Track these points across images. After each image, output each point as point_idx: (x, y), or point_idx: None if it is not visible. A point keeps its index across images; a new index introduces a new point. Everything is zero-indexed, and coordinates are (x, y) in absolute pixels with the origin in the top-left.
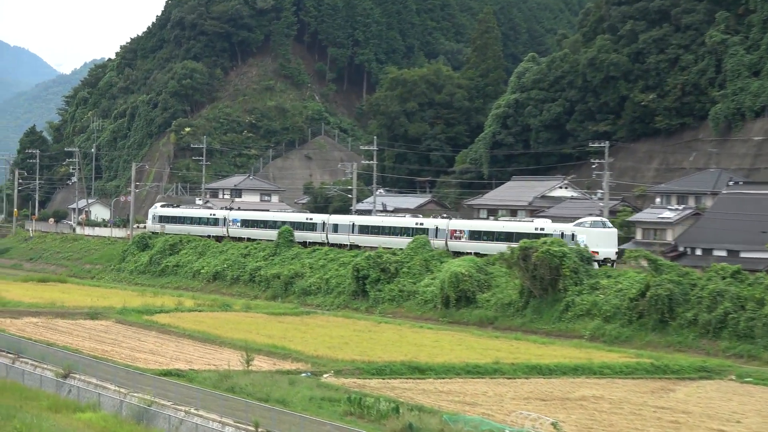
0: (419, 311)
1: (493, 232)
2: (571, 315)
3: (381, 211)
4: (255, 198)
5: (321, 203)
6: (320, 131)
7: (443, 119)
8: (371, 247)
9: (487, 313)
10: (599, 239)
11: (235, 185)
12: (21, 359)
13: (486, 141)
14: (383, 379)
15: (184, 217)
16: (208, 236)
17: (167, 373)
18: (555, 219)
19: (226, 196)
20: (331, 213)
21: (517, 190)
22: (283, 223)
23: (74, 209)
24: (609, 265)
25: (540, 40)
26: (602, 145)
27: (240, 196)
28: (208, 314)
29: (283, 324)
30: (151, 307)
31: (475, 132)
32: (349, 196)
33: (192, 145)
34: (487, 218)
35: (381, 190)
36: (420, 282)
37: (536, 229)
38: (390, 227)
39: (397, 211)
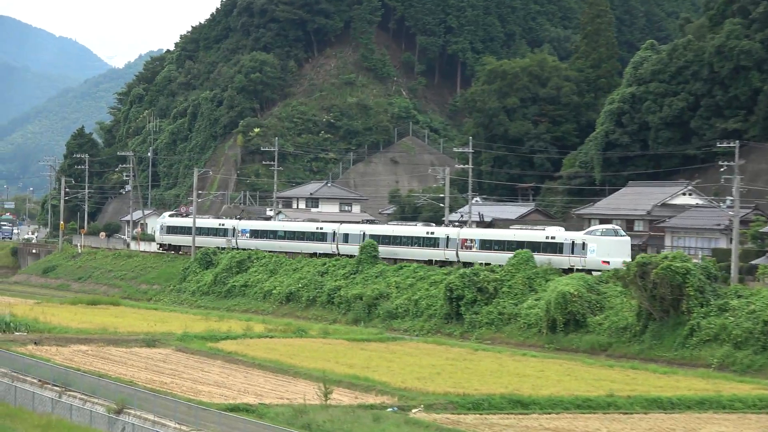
0: (521, 337)
1: (503, 242)
2: (696, 340)
3: (397, 221)
4: (333, 207)
5: (409, 213)
6: (408, 131)
7: (548, 117)
8: (383, 258)
9: (600, 338)
10: (610, 248)
11: (311, 193)
12: (68, 392)
13: (598, 141)
14: (480, 414)
15: (187, 228)
16: (217, 248)
17: (234, 408)
18: (677, 230)
19: (301, 206)
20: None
21: (634, 197)
22: (293, 233)
23: (128, 222)
24: None
25: (660, 25)
26: (732, 145)
27: (317, 206)
28: (281, 341)
29: (366, 351)
30: (216, 332)
31: (585, 131)
32: (441, 205)
33: (262, 149)
34: None
35: (477, 199)
36: (522, 303)
37: (547, 237)
38: (401, 237)
39: (495, 222)
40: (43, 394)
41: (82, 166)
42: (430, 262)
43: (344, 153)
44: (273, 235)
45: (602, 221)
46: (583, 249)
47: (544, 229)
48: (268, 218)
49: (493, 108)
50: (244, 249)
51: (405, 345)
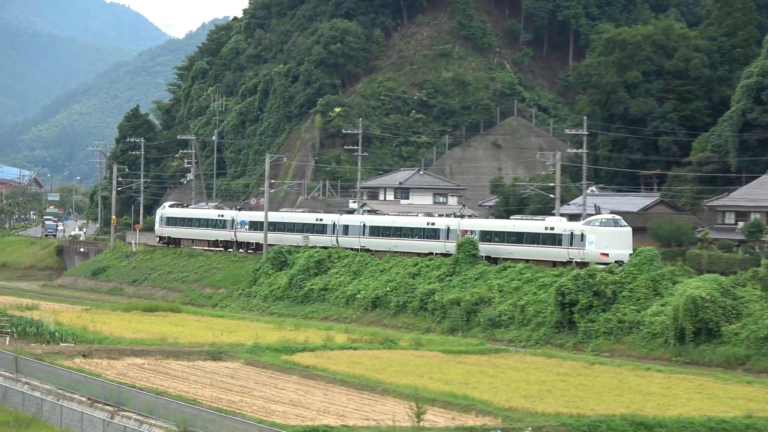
0: (645, 348)
1: (503, 233)
2: None
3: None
4: (427, 199)
5: (513, 205)
6: (512, 110)
7: (675, 93)
8: (383, 251)
9: (736, 350)
10: (610, 240)
11: (400, 183)
12: (122, 412)
13: (733, 121)
14: None
15: (192, 219)
16: (216, 241)
17: (312, 431)
18: None
19: (389, 197)
20: (447, 216)
21: None
22: (293, 225)
23: None
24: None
25: None
26: None
27: (407, 197)
28: (366, 353)
29: (465, 365)
30: (292, 343)
31: (718, 110)
32: (551, 196)
33: (344, 131)
34: (735, 224)
35: (593, 188)
36: (646, 309)
37: (546, 229)
38: (402, 228)
39: (614, 215)
40: (93, 415)
41: (137, 152)
42: (430, 255)
43: (438, 136)
44: (271, 227)
45: (738, 214)
46: (582, 241)
47: (544, 219)
48: (351, 212)
49: (611, 83)
50: (243, 242)
51: (509, 358)
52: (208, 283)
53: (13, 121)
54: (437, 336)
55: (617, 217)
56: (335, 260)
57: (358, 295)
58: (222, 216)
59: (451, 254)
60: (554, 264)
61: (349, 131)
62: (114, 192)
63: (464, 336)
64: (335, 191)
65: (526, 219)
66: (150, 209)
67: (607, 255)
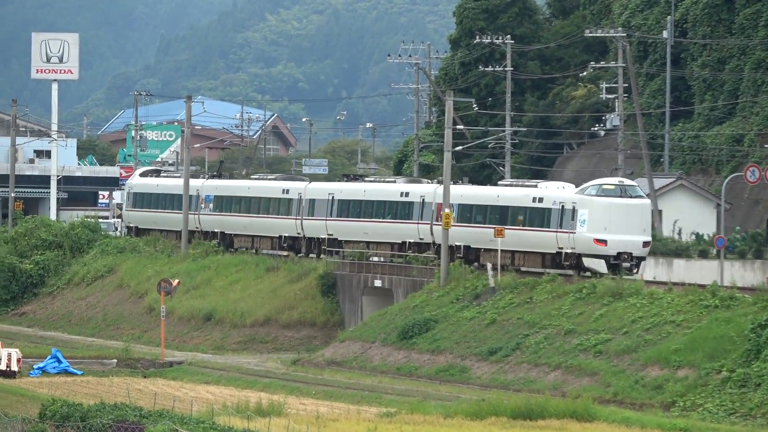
0: None
1: (485, 208)
2: None
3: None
4: None
5: None
6: None
7: None
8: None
9: None
10: (611, 218)
11: None
12: None
13: None
14: None
15: (155, 196)
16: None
17: None
18: None
19: None
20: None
21: None
22: (258, 201)
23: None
24: (632, 269)
25: None
26: None
27: None
28: None
29: None
30: None
31: None
32: None
33: None
34: None
35: None
36: None
37: (534, 200)
38: (373, 203)
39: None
40: None
41: (496, 68)
42: (402, 248)
43: None
44: (238, 204)
45: None
46: (573, 219)
47: (536, 186)
48: None
49: None
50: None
51: None
52: (652, 356)
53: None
54: None
55: (628, 181)
56: None
57: None
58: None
59: (426, 243)
60: (543, 259)
61: None
62: (448, 153)
63: None
64: None
65: (515, 184)
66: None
67: (604, 243)
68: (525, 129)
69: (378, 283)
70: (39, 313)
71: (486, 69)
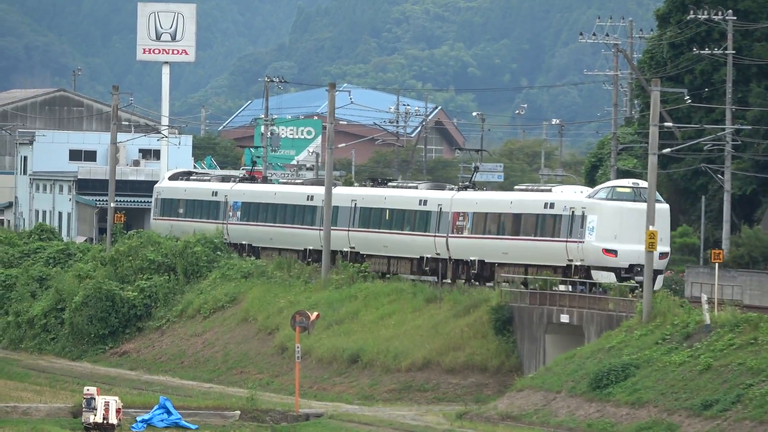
0: None
1: (498, 216)
2: None
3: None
4: None
5: None
6: None
7: None
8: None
9: None
10: (622, 225)
11: None
12: None
13: None
14: None
15: (185, 203)
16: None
17: None
18: None
19: None
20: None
21: None
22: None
23: None
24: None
25: None
26: None
27: None
28: None
29: None
30: None
31: None
32: None
33: None
34: None
35: None
36: None
37: (545, 206)
38: (393, 212)
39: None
40: None
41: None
42: (420, 264)
43: None
44: (265, 212)
45: None
46: (582, 226)
47: (551, 190)
48: None
49: None
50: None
51: None
52: None
53: None
54: None
55: (644, 184)
56: None
57: None
58: (215, 192)
59: (442, 259)
60: (555, 274)
61: None
62: (653, 156)
63: None
64: None
65: (531, 189)
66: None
67: (614, 254)
68: (750, 127)
69: (565, 318)
70: (144, 353)
71: (701, 52)
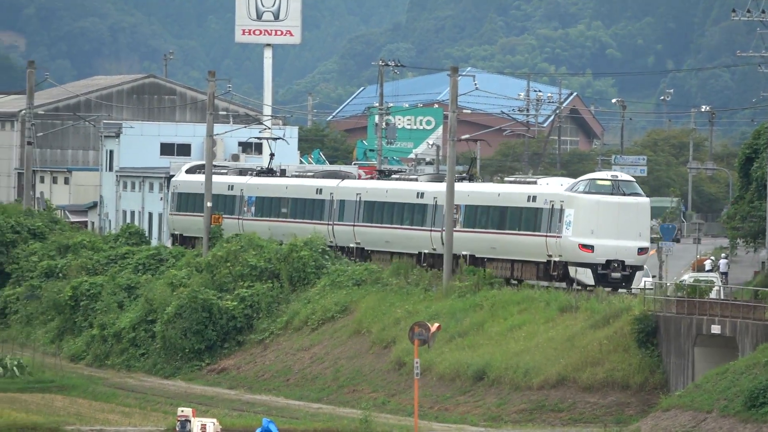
0: None
1: (487, 209)
2: None
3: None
4: None
5: None
6: None
7: None
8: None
9: None
10: (599, 219)
11: None
12: None
13: None
14: None
15: (200, 196)
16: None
17: None
18: None
19: None
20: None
21: None
22: (295, 202)
23: None
24: (623, 281)
25: None
26: None
27: None
28: None
29: None
30: None
31: None
32: None
33: None
34: None
35: None
36: None
37: (528, 199)
38: (394, 206)
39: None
40: None
41: None
42: (419, 259)
43: None
44: (278, 206)
45: None
46: (560, 221)
47: (536, 182)
48: None
49: None
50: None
51: None
52: None
53: None
54: None
55: (624, 176)
56: None
57: None
58: (231, 186)
59: (439, 254)
60: (537, 270)
61: None
62: None
63: None
64: None
65: (517, 181)
66: None
67: (590, 249)
68: None
69: (716, 329)
70: (245, 369)
71: None
